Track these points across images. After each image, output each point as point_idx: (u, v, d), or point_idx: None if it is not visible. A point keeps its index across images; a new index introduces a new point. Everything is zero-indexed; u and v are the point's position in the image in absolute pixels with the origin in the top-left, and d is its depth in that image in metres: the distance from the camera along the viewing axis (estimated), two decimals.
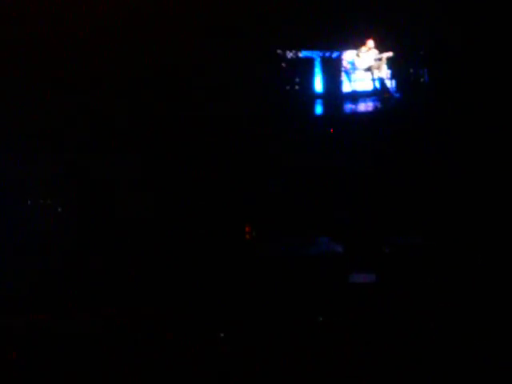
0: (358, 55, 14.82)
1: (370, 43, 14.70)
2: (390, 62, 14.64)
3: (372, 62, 14.78)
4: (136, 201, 11.73)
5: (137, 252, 11.18)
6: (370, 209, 11.43)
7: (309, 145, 12.54)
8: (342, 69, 14.76)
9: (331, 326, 9.56)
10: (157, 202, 11.74)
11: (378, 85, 14.73)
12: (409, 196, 11.41)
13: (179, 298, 10.24)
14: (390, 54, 14.64)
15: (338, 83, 14.63)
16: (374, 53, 14.77)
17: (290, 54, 14.14)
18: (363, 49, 14.77)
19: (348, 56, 14.96)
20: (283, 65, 14.04)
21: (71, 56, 12.12)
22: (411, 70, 14.22)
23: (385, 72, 14.67)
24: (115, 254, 11.19)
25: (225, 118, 12.39)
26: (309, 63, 14.50)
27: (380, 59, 14.67)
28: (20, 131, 11.88)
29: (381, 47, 14.54)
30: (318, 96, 14.46)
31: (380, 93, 14.60)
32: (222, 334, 9.43)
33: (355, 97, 14.59)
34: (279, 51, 13.87)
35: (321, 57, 14.60)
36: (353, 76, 14.88)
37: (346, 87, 14.79)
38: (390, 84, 14.66)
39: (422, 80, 14.14)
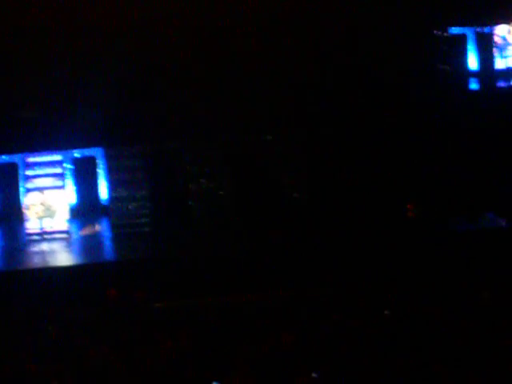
0: (510, 30, 14.27)
1: None
2: None
3: None
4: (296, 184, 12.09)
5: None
6: None
7: (467, 123, 12.37)
8: (494, 45, 14.33)
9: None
10: (318, 181, 12.01)
11: None
12: None
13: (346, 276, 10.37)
14: None
15: (491, 60, 14.23)
16: None
17: (441, 32, 13.79)
18: None
19: (500, 31, 14.43)
20: (437, 43, 13.71)
21: None
22: None
23: None
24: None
25: (385, 99, 12.50)
26: (462, 40, 14.16)
27: None
28: None
29: None
30: (472, 74, 14.15)
31: None
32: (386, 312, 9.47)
33: (510, 73, 14.13)
34: (432, 30, 13.63)
35: (473, 32, 14.21)
36: (506, 52, 14.38)
37: (500, 64, 14.33)
38: None
39: None
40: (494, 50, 14.31)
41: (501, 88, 13.97)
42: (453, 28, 14.14)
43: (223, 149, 12.34)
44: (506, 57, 14.38)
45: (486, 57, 14.21)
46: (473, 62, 14.19)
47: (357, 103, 12.36)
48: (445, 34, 13.96)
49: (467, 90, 13.87)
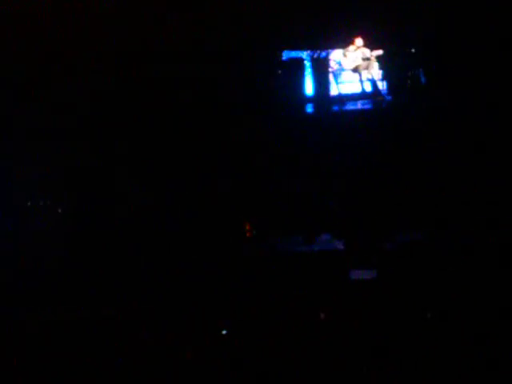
0: (344, 55, 14.11)
1: (359, 41, 13.94)
2: (382, 62, 13.92)
3: (360, 62, 14.02)
4: (134, 200, 11.74)
5: (135, 250, 11.17)
6: (371, 206, 11.45)
7: (306, 144, 12.48)
8: (330, 70, 14.08)
9: (332, 322, 9.58)
10: (156, 200, 11.74)
11: (367, 87, 13.98)
12: (409, 194, 11.42)
13: (178, 297, 10.24)
14: (380, 52, 13.86)
15: (327, 85, 13.93)
16: (363, 52, 14.01)
17: (278, 56, 13.56)
18: (351, 48, 14.02)
19: (336, 56, 14.21)
20: (273, 67, 13.51)
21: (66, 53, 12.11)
22: (406, 71, 13.50)
23: (376, 73, 13.99)
24: (113, 253, 11.18)
25: (219, 120, 12.40)
26: (299, 64, 13.83)
27: (369, 58, 13.96)
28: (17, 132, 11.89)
29: (371, 45, 13.87)
30: (309, 99, 13.81)
31: (370, 95, 13.86)
32: (224, 332, 9.46)
33: (342, 100, 13.88)
34: (268, 52, 13.42)
35: (310, 57, 13.94)
36: (340, 77, 14.19)
37: (334, 89, 14.03)
38: (382, 86, 13.88)
39: (417, 81, 13.40)
40: (330, 75, 14.09)
41: (335, 112, 13.86)
42: (289, 52, 13.91)
43: None
44: (340, 83, 14.15)
45: (323, 82, 14.00)
46: (310, 87, 13.98)
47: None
48: (280, 58, 13.76)
49: (303, 114, 13.77)
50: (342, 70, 14.17)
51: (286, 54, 13.93)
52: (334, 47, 14.10)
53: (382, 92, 13.77)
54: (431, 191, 11.37)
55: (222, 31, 12.56)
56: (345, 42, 13.98)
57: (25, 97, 11.96)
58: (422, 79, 13.32)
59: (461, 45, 12.38)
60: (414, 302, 9.61)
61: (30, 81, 12.01)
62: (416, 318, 9.36)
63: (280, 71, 13.71)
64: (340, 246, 10.31)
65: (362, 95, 13.92)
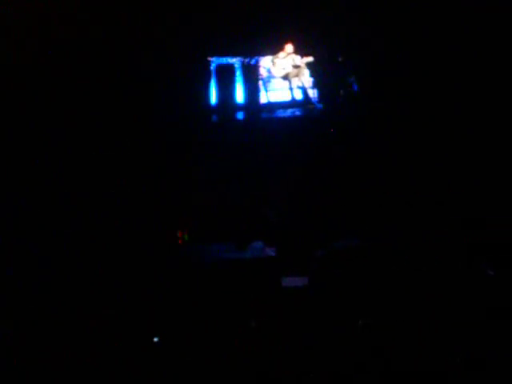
0: (273, 62, 13.76)
1: (289, 48, 13.63)
2: (313, 70, 13.66)
3: (290, 69, 13.72)
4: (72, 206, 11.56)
5: (71, 257, 10.98)
6: (303, 213, 11.46)
7: (238, 151, 12.43)
8: (260, 77, 13.72)
9: (264, 330, 9.55)
10: (90, 205, 11.56)
11: (296, 95, 13.65)
12: (341, 200, 11.48)
13: (112, 305, 10.10)
14: (310, 59, 13.59)
15: (257, 93, 13.58)
16: (293, 59, 13.70)
17: (208, 62, 13.20)
18: (281, 54, 13.69)
19: (265, 63, 13.84)
20: (204, 73, 13.15)
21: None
22: (337, 78, 13.30)
23: (306, 80, 13.72)
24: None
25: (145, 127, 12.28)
26: (230, 71, 13.51)
27: (298, 66, 13.67)
28: None
29: (301, 52, 13.57)
30: (239, 107, 13.45)
31: (299, 104, 13.55)
32: (155, 339, 9.36)
33: (271, 108, 13.54)
34: (198, 59, 13.10)
35: (241, 63, 13.63)
36: (269, 85, 13.83)
37: (264, 98, 13.64)
38: (313, 93, 13.60)
39: (348, 89, 13.23)
40: (260, 82, 13.71)
41: (265, 119, 13.52)
42: (219, 58, 13.59)
43: None
44: (270, 90, 13.76)
45: (253, 90, 13.66)
46: (240, 94, 13.63)
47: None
48: (209, 65, 13.45)
49: (234, 121, 13.41)
50: (272, 77, 13.83)
51: (216, 61, 13.61)
52: (263, 54, 13.74)
53: (313, 100, 13.53)
54: (364, 197, 11.43)
55: (155, 38, 12.44)
56: (275, 49, 13.67)
57: None
58: (355, 87, 13.18)
59: (394, 50, 12.44)
60: (346, 308, 9.63)
61: None
62: (348, 325, 9.37)
63: (210, 78, 13.40)
64: (272, 253, 10.27)
65: (293, 103, 13.61)
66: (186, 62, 12.93)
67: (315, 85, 13.67)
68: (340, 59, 13.27)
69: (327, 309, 9.73)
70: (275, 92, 13.84)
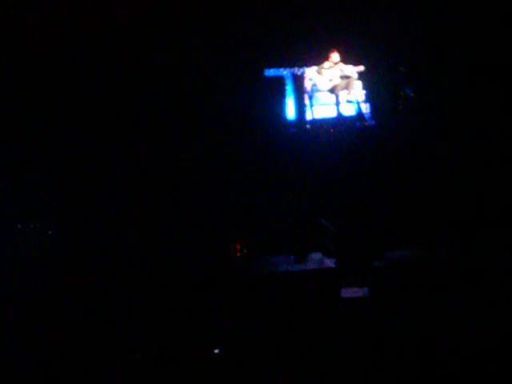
0: (319, 72, 12.33)
1: (335, 57, 12.31)
2: (365, 81, 12.29)
3: (338, 81, 12.31)
4: (127, 221, 11.68)
5: (127, 271, 11.09)
6: (362, 224, 11.42)
7: (295, 162, 12.32)
8: (305, 90, 12.42)
9: (325, 341, 9.54)
10: (149, 220, 11.68)
11: (345, 110, 12.38)
12: (400, 212, 11.40)
13: (171, 316, 10.17)
14: (362, 68, 12.16)
15: (303, 108, 12.34)
16: (341, 69, 12.31)
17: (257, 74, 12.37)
18: (326, 64, 12.33)
19: (310, 74, 12.50)
20: (256, 85, 12.30)
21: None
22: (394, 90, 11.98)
23: (358, 93, 12.40)
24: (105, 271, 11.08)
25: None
26: (279, 83, 12.43)
27: (348, 77, 12.21)
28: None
29: (350, 61, 12.33)
30: (289, 124, 12.35)
31: (350, 120, 12.26)
32: (216, 351, 9.39)
33: (315, 126, 12.32)
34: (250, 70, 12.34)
35: (292, 74, 12.50)
36: (315, 99, 12.53)
37: (309, 114, 12.42)
38: (366, 108, 12.36)
39: (405, 103, 11.92)
40: (305, 96, 12.44)
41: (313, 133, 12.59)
42: (270, 70, 12.69)
43: None
44: (314, 105, 12.60)
45: (301, 104, 12.47)
46: (291, 109, 12.55)
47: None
48: (261, 76, 12.61)
49: (285, 132, 12.64)
50: (317, 90, 12.55)
51: (267, 72, 12.60)
52: (308, 64, 12.58)
53: (366, 116, 12.42)
54: (422, 209, 11.35)
55: (208, 49, 12.42)
56: (319, 58, 12.51)
57: None
58: (412, 100, 11.94)
59: (461, 59, 11.86)
60: (407, 318, 9.57)
61: None
62: (409, 334, 9.33)
63: (262, 89, 12.47)
64: (331, 264, 10.24)
65: (337, 121, 12.39)
66: (239, 73, 12.61)
67: (368, 98, 12.42)
68: (402, 69, 11.93)
69: (388, 319, 9.67)
70: (321, 107, 12.59)
